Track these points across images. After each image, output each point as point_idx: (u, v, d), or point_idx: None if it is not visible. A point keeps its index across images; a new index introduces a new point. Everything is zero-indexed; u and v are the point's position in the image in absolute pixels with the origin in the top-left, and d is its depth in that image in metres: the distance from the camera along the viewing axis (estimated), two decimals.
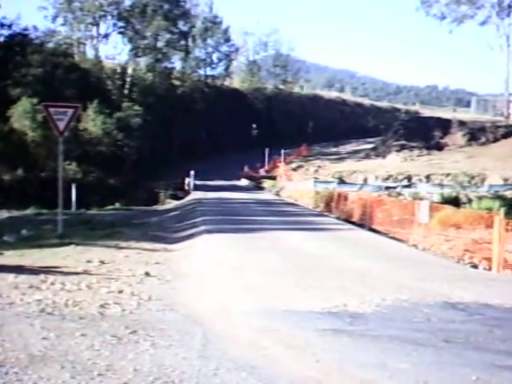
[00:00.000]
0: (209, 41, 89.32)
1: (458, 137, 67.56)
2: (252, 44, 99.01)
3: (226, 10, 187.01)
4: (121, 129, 49.05)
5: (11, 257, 14.08)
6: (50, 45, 59.33)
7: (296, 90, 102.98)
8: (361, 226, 24.75)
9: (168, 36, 70.69)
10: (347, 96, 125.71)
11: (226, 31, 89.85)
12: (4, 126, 40.88)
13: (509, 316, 9.27)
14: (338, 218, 28.51)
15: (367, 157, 67.28)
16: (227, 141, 75.60)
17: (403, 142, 67.24)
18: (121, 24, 67.87)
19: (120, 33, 68.82)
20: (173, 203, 41.17)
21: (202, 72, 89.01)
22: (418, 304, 9.71)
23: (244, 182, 57.33)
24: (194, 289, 11.20)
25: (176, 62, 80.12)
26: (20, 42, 50.82)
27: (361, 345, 7.26)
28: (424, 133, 67.42)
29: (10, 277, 11.03)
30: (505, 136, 65.70)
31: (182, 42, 74.68)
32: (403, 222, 21.36)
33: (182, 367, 6.26)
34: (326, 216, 30.10)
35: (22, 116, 40.81)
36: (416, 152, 63.80)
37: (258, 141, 71.33)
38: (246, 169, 62.62)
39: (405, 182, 49.22)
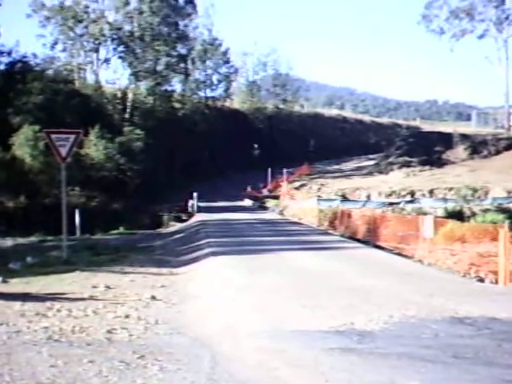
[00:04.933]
0: (208, 63, 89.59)
1: (459, 151, 67.59)
2: (251, 64, 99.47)
3: (224, 32, 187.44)
4: (123, 153, 49.11)
5: (17, 284, 14.07)
6: (50, 71, 59.48)
7: (296, 108, 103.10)
8: (366, 242, 24.71)
9: (167, 59, 71.02)
10: (348, 113, 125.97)
11: (225, 53, 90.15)
12: (6, 154, 40.92)
13: None
14: (342, 236, 28.47)
15: (370, 173, 67.27)
16: (229, 161, 75.64)
17: (405, 158, 67.26)
18: (121, 49, 68.20)
19: (120, 57, 69.15)
20: (177, 226, 41.17)
21: (202, 94, 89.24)
22: (425, 320, 9.67)
23: (247, 203, 57.27)
24: (201, 311, 11.18)
25: (176, 85, 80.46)
26: (20, 70, 50.95)
27: (369, 363, 7.23)
28: (426, 148, 67.41)
29: (17, 305, 11.02)
30: (507, 148, 65.75)
31: (182, 65, 74.98)
32: (408, 238, 21.33)
33: None
34: (331, 234, 30.07)
35: (23, 144, 40.84)
36: (418, 167, 63.83)
37: (260, 160, 71.44)
38: (248, 189, 62.61)
39: (408, 198, 49.17)
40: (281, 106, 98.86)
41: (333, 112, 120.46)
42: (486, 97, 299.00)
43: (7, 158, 40.83)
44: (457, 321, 9.69)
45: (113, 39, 67.38)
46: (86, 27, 65.58)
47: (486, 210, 41.36)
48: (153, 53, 68.78)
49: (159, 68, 71.10)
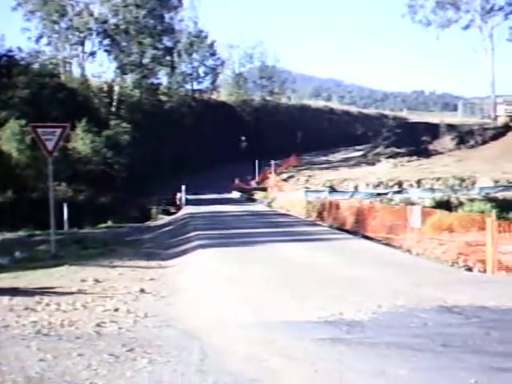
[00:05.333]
0: (194, 55, 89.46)
1: (446, 141, 67.81)
2: (237, 57, 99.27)
3: (209, 24, 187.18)
4: (110, 147, 48.93)
5: (5, 279, 14.01)
6: (36, 65, 59.07)
7: (283, 100, 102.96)
8: (354, 233, 24.75)
9: (153, 52, 70.82)
10: (334, 104, 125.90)
11: (211, 45, 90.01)
12: None
13: (505, 318, 9.28)
14: (330, 227, 28.51)
15: (357, 164, 67.30)
16: (217, 154, 75.54)
17: (392, 149, 67.43)
18: (106, 42, 67.92)
19: (106, 51, 68.86)
20: (165, 219, 41.08)
21: (188, 86, 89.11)
22: (414, 309, 9.71)
23: (235, 195, 57.21)
24: (190, 304, 11.18)
25: (162, 78, 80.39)
26: (5, 64, 50.64)
27: (359, 353, 7.25)
28: (413, 138, 67.57)
29: (5, 299, 10.97)
30: (493, 138, 66.00)
31: (168, 58, 74.75)
32: (396, 228, 21.39)
33: (181, 383, 6.24)
34: (319, 225, 30.09)
35: (10, 138, 40.63)
36: (406, 158, 63.94)
37: (248, 153, 71.32)
38: (236, 181, 62.57)
39: (396, 188, 49.28)
40: (268, 98, 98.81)
41: (320, 103, 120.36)
42: (473, 87, 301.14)
43: None
44: (445, 310, 9.73)
45: (98, 32, 67.13)
46: (71, 20, 65.27)
47: (473, 200, 41.53)
48: (138, 46, 68.58)
49: (145, 61, 70.92)
